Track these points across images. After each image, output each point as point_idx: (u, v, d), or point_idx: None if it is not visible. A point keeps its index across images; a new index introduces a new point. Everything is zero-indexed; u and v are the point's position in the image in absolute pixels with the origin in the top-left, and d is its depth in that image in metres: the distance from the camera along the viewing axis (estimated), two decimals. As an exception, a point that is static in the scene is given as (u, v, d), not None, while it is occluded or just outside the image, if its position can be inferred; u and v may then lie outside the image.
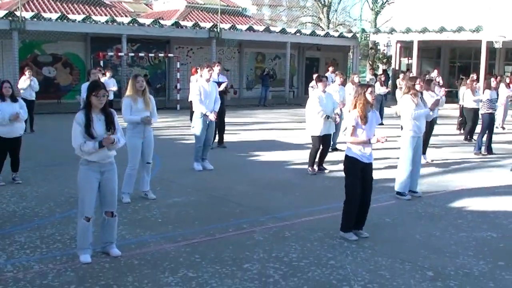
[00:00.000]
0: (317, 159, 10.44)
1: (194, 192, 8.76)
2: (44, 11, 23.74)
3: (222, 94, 12.57)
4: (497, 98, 13.50)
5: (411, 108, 8.40)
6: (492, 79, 13.20)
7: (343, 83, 12.98)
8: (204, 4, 31.05)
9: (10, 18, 19.11)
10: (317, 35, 27.97)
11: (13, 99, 8.82)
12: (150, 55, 22.99)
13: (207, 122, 10.29)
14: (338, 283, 5.29)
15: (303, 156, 10.98)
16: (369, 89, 6.47)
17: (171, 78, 25.72)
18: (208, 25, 24.73)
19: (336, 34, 29.29)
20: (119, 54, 21.67)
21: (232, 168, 10.79)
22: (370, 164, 6.66)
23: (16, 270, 5.43)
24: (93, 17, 22.04)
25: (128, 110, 7.85)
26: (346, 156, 6.64)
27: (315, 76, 12.75)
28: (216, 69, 12.68)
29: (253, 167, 11.00)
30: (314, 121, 10.14)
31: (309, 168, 10.33)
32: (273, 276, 5.42)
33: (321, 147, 10.31)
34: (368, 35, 28.97)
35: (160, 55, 23.06)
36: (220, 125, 12.84)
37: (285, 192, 8.96)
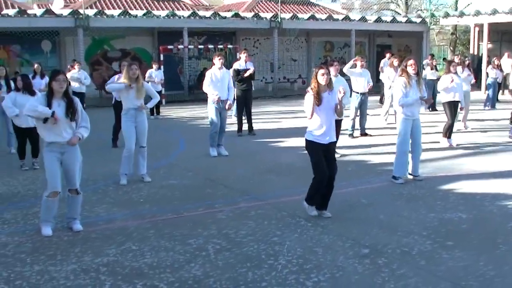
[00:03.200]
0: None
1: (192, 176, 9.17)
2: (114, 8, 24.98)
3: (249, 79, 12.96)
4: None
5: (399, 95, 8.34)
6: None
7: (363, 66, 13.00)
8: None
9: (76, 16, 20.30)
10: (383, 22, 27.42)
11: (31, 92, 9.47)
12: (210, 46, 23.55)
13: (220, 107, 10.64)
14: (265, 258, 5.51)
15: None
16: (321, 71, 6.58)
17: (236, 68, 26.20)
18: (268, 15, 24.96)
19: (404, 19, 28.60)
20: (179, 46, 22.44)
21: (246, 154, 11.08)
22: (330, 144, 6.75)
23: (-16, 241, 6.07)
24: (154, 11, 22.93)
25: (116, 89, 8.54)
26: (305, 139, 6.81)
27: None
28: (243, 56, 13.17)
29: (267, 152, 11.23)
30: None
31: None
32: (208, 250, 5.71)
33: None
34: (438, 20, 28.06)
35: (219, 46, 23.58)
36: (247, 113, 13.24)
37: (283, 175, 9.18)
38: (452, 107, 11.52)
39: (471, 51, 33.01)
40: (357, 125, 13.00)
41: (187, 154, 11.11)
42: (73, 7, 26.57)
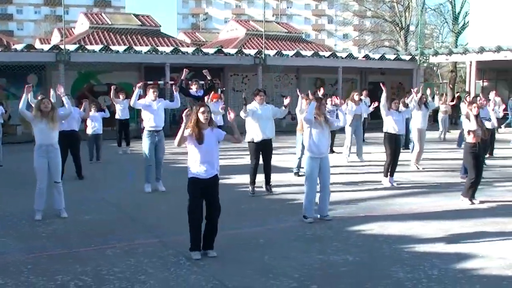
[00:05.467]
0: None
1: (112, 212, 9.25)
2: (113, 44, 25.44)
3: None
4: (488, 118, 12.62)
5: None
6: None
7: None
8: (265, 31, 31.66)
9: (56, 51, 20.73)
10: (371, 59, 27.57)
11: None
12: (202, 82, 23.87)
13: (155, 140, 10.73)
14: (119, 296, 5.54)
15: (277, 178, 11.26)
16: (202, 109, 6.68)
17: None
18: (253, 51, 25.25)
19: (393, 57, 28.71)
20: (158, 82, 22.72)
21: (183, 190, 11.06)
22: (211, 179, 6.76)
23: None
24: (137, 47, 23.33)
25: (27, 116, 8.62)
26: (188, 178, 6.84)
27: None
28: (194, 87, 13.48)
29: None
30: (248, 125, 10.38)
31: (250, 188, 10.45)
32: (68, 287, 5.75)
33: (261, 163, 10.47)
34: (427, 57, 28.12)
35: (201, 82, 23.78)
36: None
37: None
38: (393, 141, 11.45)
39: (467, 89, 33.02)
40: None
41: (125, 189, 11.18)
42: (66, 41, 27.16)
